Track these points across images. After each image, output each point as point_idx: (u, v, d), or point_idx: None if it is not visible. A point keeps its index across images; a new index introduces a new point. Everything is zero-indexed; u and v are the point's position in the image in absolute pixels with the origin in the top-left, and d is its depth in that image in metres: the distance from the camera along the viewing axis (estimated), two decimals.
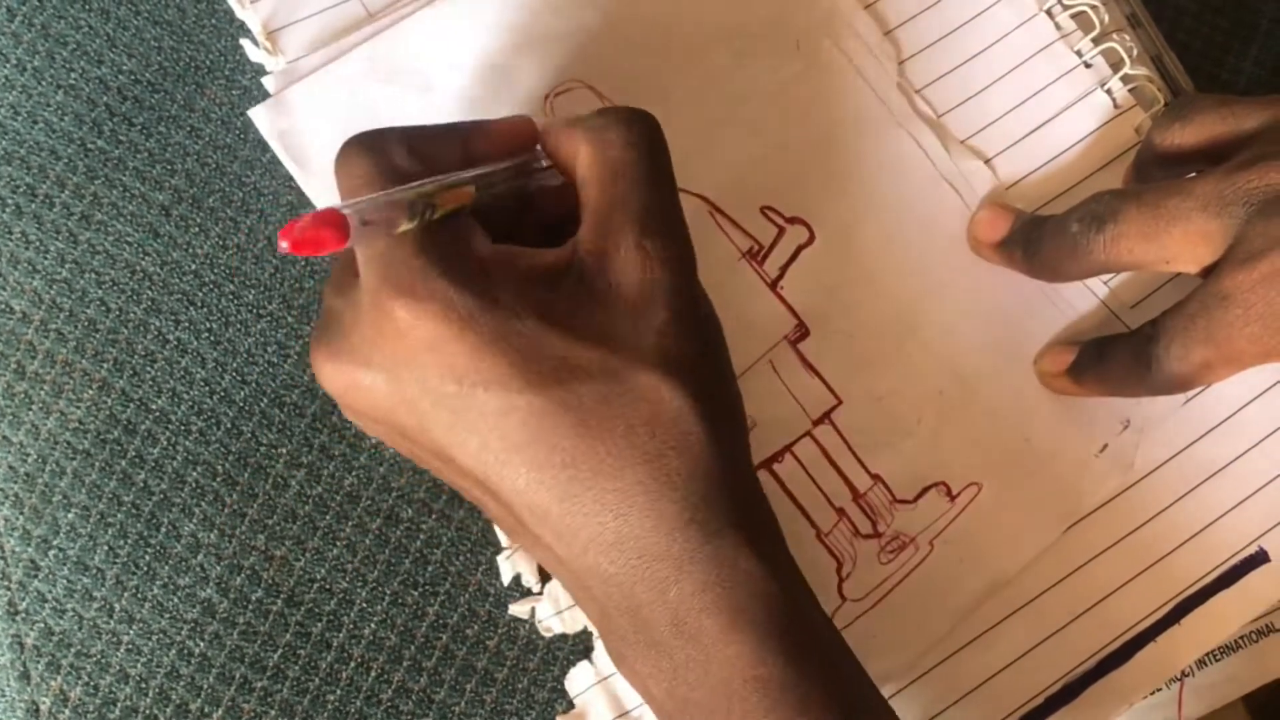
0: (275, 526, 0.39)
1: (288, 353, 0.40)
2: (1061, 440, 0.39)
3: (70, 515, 0.39)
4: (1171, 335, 0.35)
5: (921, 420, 0.39)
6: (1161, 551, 0.39)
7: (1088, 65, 0.42)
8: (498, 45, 0.40)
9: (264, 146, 0.40)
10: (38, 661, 0.38)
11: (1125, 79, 0.41)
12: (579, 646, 0.39)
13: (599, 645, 0.38)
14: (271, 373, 0.40)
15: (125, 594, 0.38)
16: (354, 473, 0.39)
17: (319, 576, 0.38)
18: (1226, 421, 0.39)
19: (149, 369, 0.39)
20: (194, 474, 0.39)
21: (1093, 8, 0.42)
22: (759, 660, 0.29)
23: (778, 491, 0.38)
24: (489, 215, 0.31)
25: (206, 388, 0.39)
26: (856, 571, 0.38)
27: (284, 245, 0.24)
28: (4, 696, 0.37)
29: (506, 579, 0.38)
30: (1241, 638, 0.40)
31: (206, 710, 0.37)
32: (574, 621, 0.38)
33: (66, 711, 0.37)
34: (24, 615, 0.38)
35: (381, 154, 0.30)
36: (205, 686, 0.37)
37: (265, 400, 0.39)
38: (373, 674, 0.38)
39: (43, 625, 0.38)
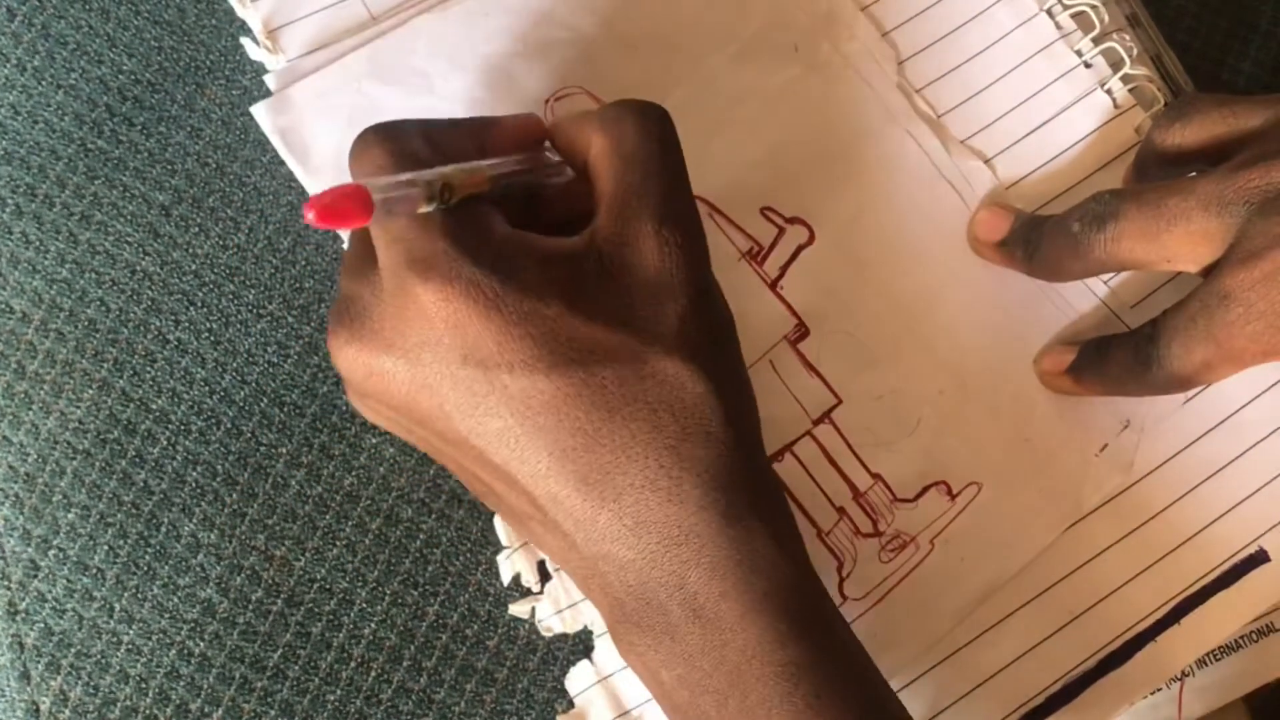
0: (275, 526, 0.39)
1: (288, 353, 0.40)
2: (1061, 440, 0.39)
3: (70, 515, 0.39)
4: (1172, 334, 0.35)
5: (921, 420, 0.39)
6: (1161, 551, 0.39)
7: (1088, 65, 0.42)
8: (499, 50, 0.40)
9: (264, 146, 0.40)
10: (38, 661, 0.38)
11: (1125, 79, 0.41)
12: (579, 646, 0.38)
13: (599, 645, 0.38)
14: (271, 373, 0.40)
15: (125, 594, 0.38)
16: (354, 473, 0.39)
17: (319, 576, 0.38)
18: (1226, 421, 0.39)
19: (149, 369, 0.39)
20: (194, 474, 0.39)
21: (1093, 8, 0.42)
22: (778, 644, 0.29)
23: None
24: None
25: (206, 387, 0.39)
26: (857, 570, 0.38)
27: (310, 216, 0.24)
28: (4, 696, 0.37)
29: (506, 579, 0.38)
30: (1241, 638, 0.40)
31: (206, 710, 0.37)
32: (574, 621, 0.38)
33: (66, 711, 0.37)
34: (24, 615, 0.38)
35: (399, 142, 0.30)
36: (205, 686, 0.37)
37: (265, 400, 0.39)
38: (373, 674, 0.38)
39: (43, 625, 0.38)
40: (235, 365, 0.40)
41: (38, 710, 0.37)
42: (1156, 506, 0.39)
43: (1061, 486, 0.39)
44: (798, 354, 0.39)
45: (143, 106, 0.41)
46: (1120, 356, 0.36)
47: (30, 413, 0.39)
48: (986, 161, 0.41)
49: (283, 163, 0.40)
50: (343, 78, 0.40)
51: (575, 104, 0.40)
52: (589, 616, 0.38)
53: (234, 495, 0.39)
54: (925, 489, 0.39)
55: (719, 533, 0.29)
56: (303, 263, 0.40)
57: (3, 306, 0.40)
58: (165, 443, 0.39)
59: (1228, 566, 0.39)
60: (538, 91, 0.40)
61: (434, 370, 0.29)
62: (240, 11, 0.41)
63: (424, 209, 0.28)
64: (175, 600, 0.38)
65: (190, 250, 0.40)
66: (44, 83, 0.41)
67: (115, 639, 0.38)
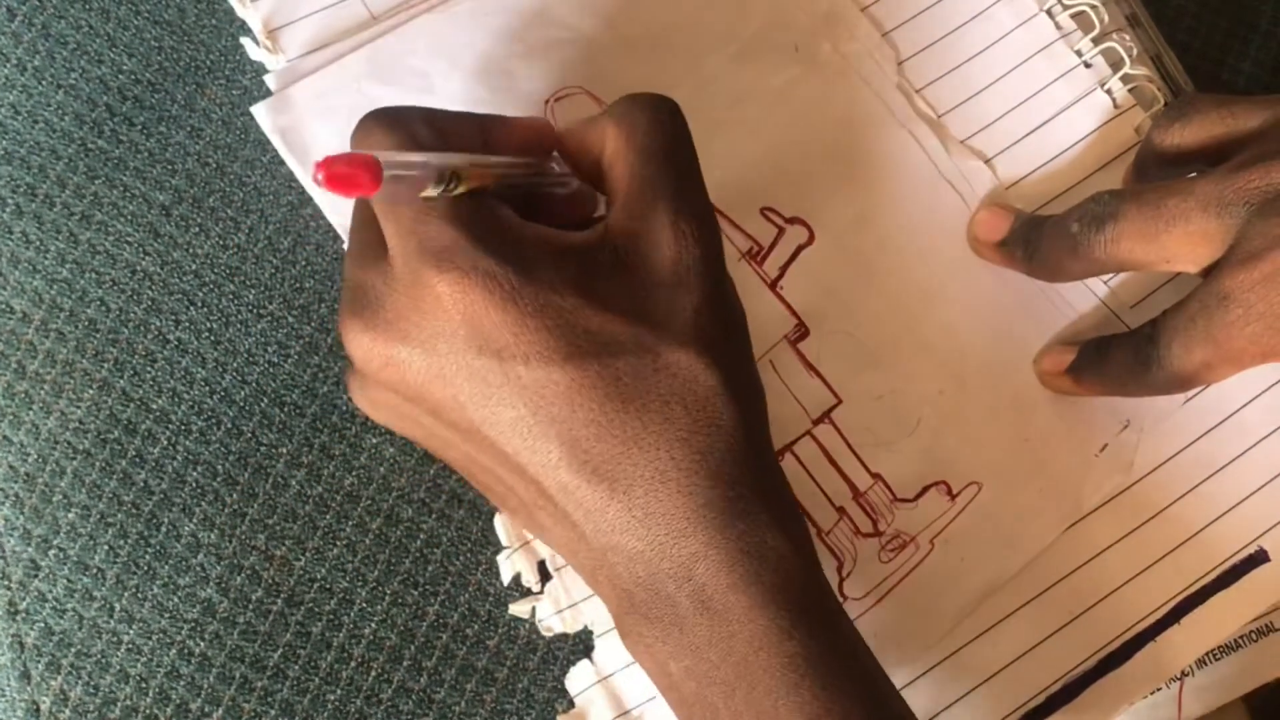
0: (275, 526, 0.39)
1: (288, 353, 0.40)
2: (1061, 440, 0.39)
3: (70, 515, 0.39)
4: (1171, 335, 0.35)
5: (921, 420, 0.39)
6: (1161, 551, 0.39)
7: (1088, 65, 0.42)
8: (499, 50, 0.40)
9: (264, 146, 0.40)
10: (38, 661, 0.38)
11: (1125, 79, 0.41)
12: (579, 646, 0.39)
13: (599, 644, 0.38)
14: (272, 373, 0.40)
15: (125, 594, 0.38)
16: (354, 472, 0.39)
17: (319, 576, 0.38)
18: (1226, 421, 0.39)
19: (149, 369, 0.40)
20: (194, 474, 0.39)
21: (1092, 7, 0.42)
22: (786, 636, 0.29)
23: None
24: None
25: (207, 387, 0.39)
26: (857, 570, 0.38)
27: (319, 177, 0.24)
28: (4, 696, 0.37)
29: (507, 578, 0.38)
30: (1241, 637, 0.40)
31: (207, 710, 0.37)
32: (574, 621, 0.38)
33: (67, 711, 0.37)
34: (24, 615, 0.38)
35: (403, 127, 0.30)
36: (205, 686, 0.37)
37: (265, 400, 0.39)
38: (373, 673, 0.38)
39: (43, 625, 0.38)
40: (235, 365, 0.40)
41: (38, 710, 0.37)
42: (1156, 506, 0.39)
43: (1061, 486, 0.39)
44: (798, 354, 0.39)
45: (143, 106, 0.41)
46: (1120, 357, 0.36)
47: (30, 413, 0.39)
48: (986, 161, 0.41)
49: (283, 163, 0.40)
50: (342, 78, 0.40)
51: (575, 104, 0.40)
52: (589, 616, 0.38)
53: (234, 495, 0.39)
54: (925, 489, 0.39)
55: (728, 525, 0.29)
56: (303, 263, 0.40)
57: (3, 306, 0.40)
58: (165, 443, 0.39)
59: (1227, 566, 0.39)
60: (538, 91, 0.40)
61: (449, 360, 0.29)
62: (240, 11, 0.41)
63: (429, 193, 0.28)
64: (175, 600, 0.38)
65: (190, 250, 0.40)
66: (44, 82, 0.41)
67: (115, 639, 0.38)
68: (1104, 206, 0.35)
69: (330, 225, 0.40)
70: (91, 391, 0.39)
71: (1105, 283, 0.40)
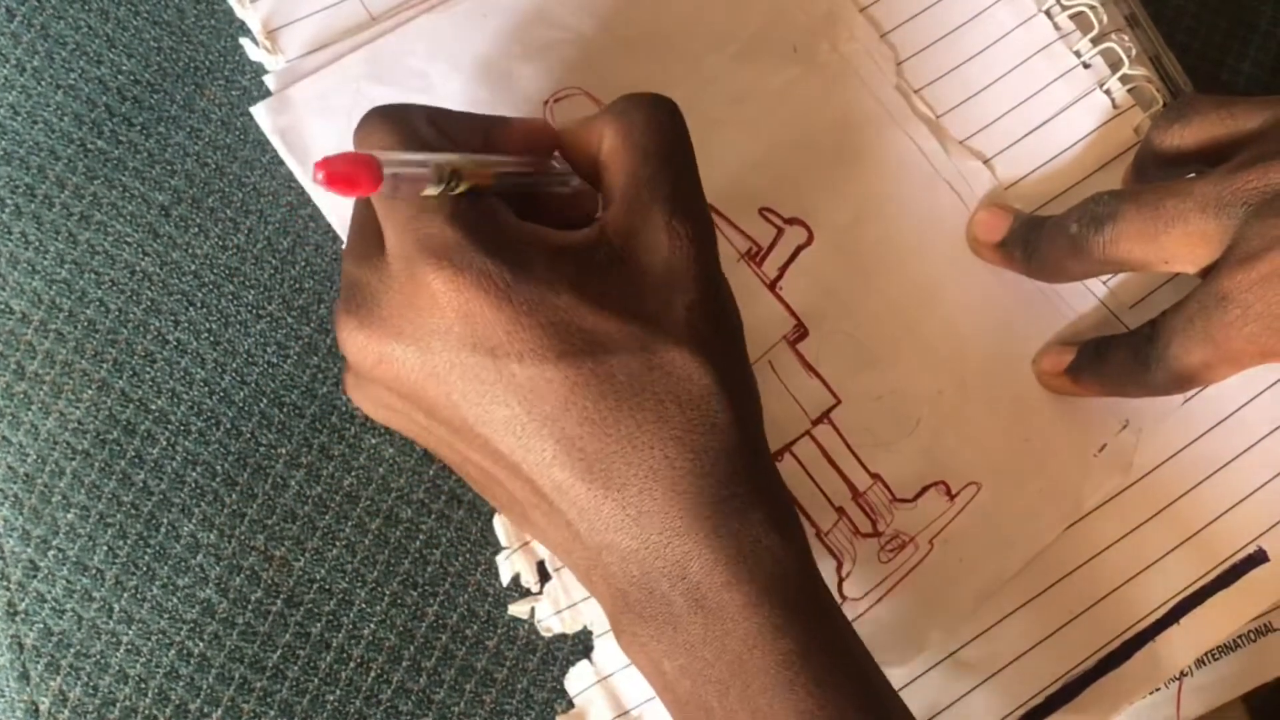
0: (274, 527, 0.39)
1: (287, 353, 0.40)
2: (1061, 440, 0.39)
3: (69, 515, 0.39)
4: (1170, 335, 0.35)
5: (921, 420, 0.39)
6: (1161, 551, 0.39)
7: (1086, 65, 0.42)
8: (499, 50, 0.40)
9: (264, 147, 0.40)
10: (37, 662, 0.38)
11: (1124, 79, 0.41)
12: (578, 646, 0.39)
13: (599, 645, 0.38)
14: (271, 373, 0.40)
15: (124, 594, 0.38)
16: (353, 473, 0.39)
17: (318, 577, 0.38)
18: (1226, 421, 0.40)
19: (148, 369, 0.39)
20: (193, 474, 0.39)
21: (1091, 8, 0.42)
22: (779, 633, 0.29)
23: None
24: None
25: (206, 388, 0.39)
26: (856, 570, 0.38)
27: (319, 176, 0.25)
28: (3, 697, 0.37)
29: (506, 579, 0.38)
30: (1240, 637, 0.40)
31: (206, 710, 0.37)
32: (573, 621, 0.38)
33: (66, 712, 0.37)
34: (23, 616, 0.38)
35: (405, 124, 0.30)
36: (204, 686, 0.37)
37: (264, 400, 0.39)
38: (372, 674, 0.38)
39: (42, 626, 0.38)
40: (234, 366, 0.40)
41: (37, 710, 0.37)
42: (1155, 506, 0.39)
43: (1061, 486, 0.39)
44: (797, 354, 0.39)
45: (142, 107, 0.41)
46: (1119, 357, 0.37)
47: (29, 413, 0.39)
48: (985, 162, 0.41)
49: (282, 163, 0.40)
50: (342, 78, 0.40)
51: (574, 105, 0.40)
52: (588, 617, 0.38)
53: (233, 496, 0.39)
54: (924, 489, 0.39)
55: (722, 523, 0.29)
56: (302, 263, 0.40)
57: (2, 307, 0.40)
58: (164, 443, 0.39)
59: (1227, 566, 0.39)
60: (537, 92, 0.40)
61: (443, 358, 0.29)
62: (239, 12, 0.41)
63: (430, 191, 0.28)
64: (174, 600, 0.38)
65: (189, 251, 0.40)
66: (43, 83, 0.41)
67: (114, 639, 0.38)
68: (1103, 207, 0.35)
69: (329, 226, 0.40)
70: (90, 392, 0.39)
71: (1104, 283, 0.40)
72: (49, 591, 0.38)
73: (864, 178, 0.41)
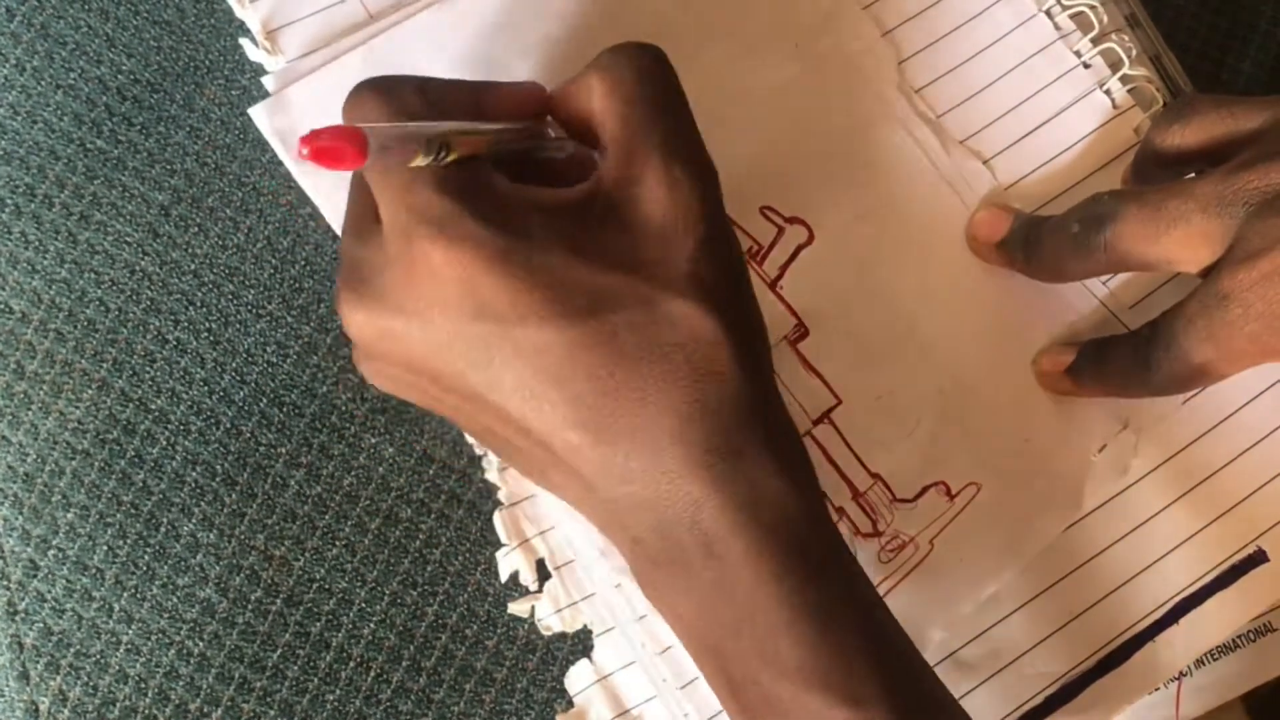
0: (274, 526, 0.39)
1: (287, 352, 0.40)
2: (1061, 440, 0.39)
3: (69, 515, 0.38)
4: (1171, 336, 0.35)
5: (921, 420, 0.39)
6: (1160, 551, 0.39)
7: (1087, 66, 0.42)
8: (498, 47, 0.40)
9: (263, 146, 0.40)
10: (37, 661, 0.38)
11: (1124, 79, 0.41)
12: (578, 646, 0.39)
13: (599, 644, 0.38)
14: (270, 372, 0.40)
15: (124, 594, 0.38)
16: (353, 472, 0.39)
17: (318, 576, 0.38)
18: (1226, 421, 0.39)
19: (148, 369, 0.39)
20: (193, 474, 0.39)
21: (1091, 8, 0.42)
22: (786, 577, 0.29)
23: None
24: None
25: (206, 387, 0.39)
26: None
27: (304, 151, 0.24)
28: (3, 696, 0.37)
29: (505, 575, 0.38)
30: (1240, 637, 0.40)
31: (206, 710, 0.37)
32: (573, 620, 0.38)
33: (66, 711, 0.37)
34: (23, 615, 0.38)
35: (394, 95, 0.30)
36: (204, 686, 0.37)
37: (264, 400, 0.39)
38: (372, 674, 0.38)
39: (42, 625, 0.38)
40: (234, 365, 0.40)
41: (37, 710, 0.37)
42: (1155, 506, 0.39)
43: (1061, 486, 0.39)
44: (797, 354, 0.39)
45: (142, 106, 0.41)
46: (1119, 358, 0.36)
47: (29, 413, 0.39)
48: (985, 162, 0.41)
49: (281, 163, 0.40)
50: (341, 78, 0.39)
51: None
52: (588, 615, 0.38)
53: (233, 495, 0.39)
54: (924, 489, 0.39)
55: (730, 470, 0.30)
56: (302, 262, 0.40)
57: (2, 306, 0.40)
58: (164, 442, 0.39)
59: (1226, 567, 0.39)
60: None
61: (446, 329, 0.29)
62: (239, 12, 0.41)
63: (419, 162, 0.28)
64: (174, 600, 0.38)
65: (189, 250, 0.40)
66: (43, 82, 0.41)
67: (114, 639, 0.38)
68: (1104, 208, 0.35)
69: (329, 225, 0.40)
70: (90, 391, 0.39)
71: (1104, 283, 0.40)
72: (49, 591, 0.38)
73: (864, 177, 0.41)
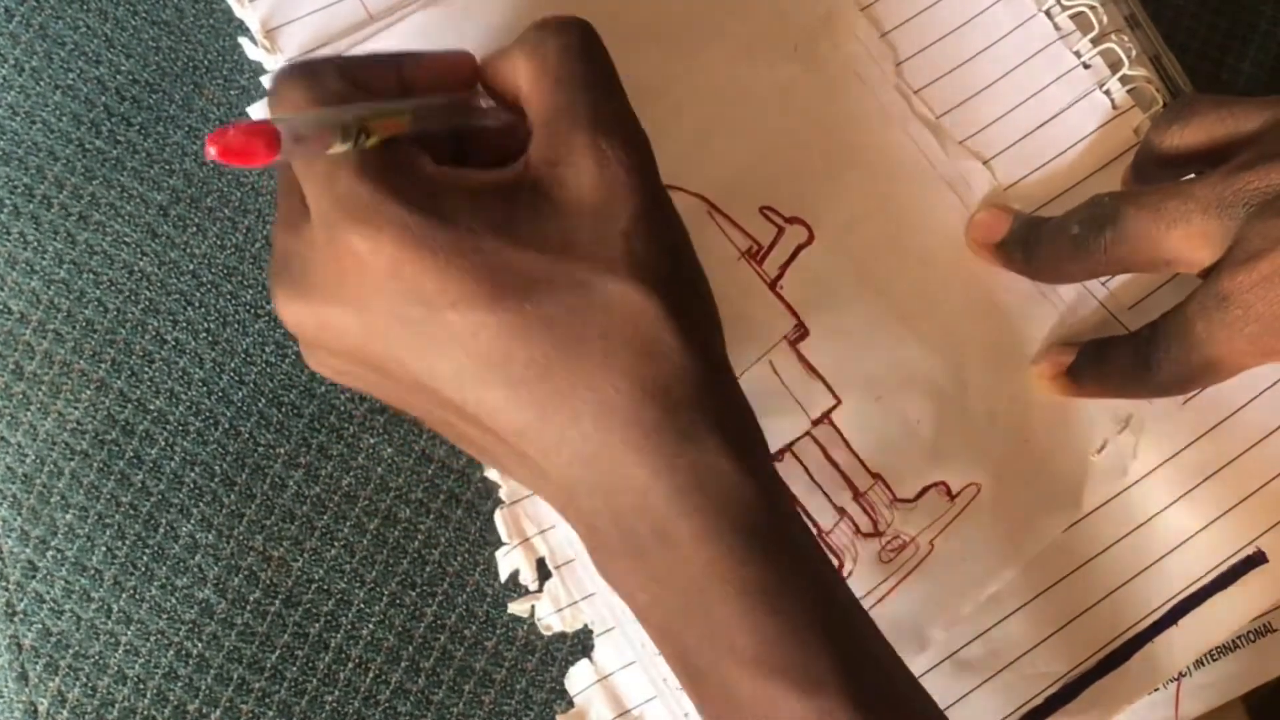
0: (273, 527, 0.39)
1: (285, 352, 0.40)
2: (1061, 440, 0.39)
3: (68, 516, 0.38)
4: (1171, 337, 0.35)
5: (921, 420, 0.39)
6: (1160, 552, 0.39)
7: (1086, 66, 0.42)
8: (496, 45, 0.40)
9: None
10: (36, 662, 0.37)
11: (1124, 80, 0.41)
12: (578, 646, 0.38)
13: (599, 644, 0.38)
14: (269, 372, 0.40)
15: (123, 594, 0.38)
16: (351, 473, 0.39)
17: (316, 577, 0.38)
18: (1225, 421, 0.39)
19: (147, 369, 0.39)
20: (192, 474, 0.39)
21: (1091, 8, 0.42)
22: (737, 562, 0.29)
23: None
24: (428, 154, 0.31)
25: (204, 388, 0.39)
26: (858, 570, 0.38)
27: (211, 151, 0.24)
28: (2, 697, 0.37)
29: (504, 574, 0.38)
30: (1239, 637, 0.40)
31: (204, 711, 0.37)
32: (573, 620, 0.38)
33: (65, 712, 0.37)
34: (22, 616, 0.38)
35: (316, 79, 0.30)
36: (203, 687, 0.37)
37: (263, 400, 0.39)
38: (370, 674, 0.38)
39: (41, 626, 0.38)
40: (233, 365, 0.40)
41: (36, 711, 0.37)
42: (1155, 507, 0.39)
43: (1060, 486, 0.39)
44: (797, 354, 0.39)
45: (140, 106, 0.41)
46: (1119, 359, 0.36)
47: (28, 413, 0.39)
48: (985, 163, 0.41)
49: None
50: None
51: None
52: (589, 615, 0.38)
53: (232, 496, 0.39)
54: (925, 489, 0.39)
55: (676, 453, 0.29)
56: None
57: (0, 307, 0.40)
58: (163, 443, 0.39)
59: (1226, 567, 0.39)
60: None
61: (380, 316, 0.29)
62: (238, 11, 0.41)
63: (337, 149, 0.27)
64: (173, 601, 0.38)
65: (188, 250, 0.40)
66: (42, 83, 0.41)
67: (113, 639, 0.38)
68: (1104, 209, 0.35)
69: None
70: (89, 392, 0.39)
71: (1104, 284, 0.40)
72: (47, 592, 0.38)
73: (864, 178, 0.41)
